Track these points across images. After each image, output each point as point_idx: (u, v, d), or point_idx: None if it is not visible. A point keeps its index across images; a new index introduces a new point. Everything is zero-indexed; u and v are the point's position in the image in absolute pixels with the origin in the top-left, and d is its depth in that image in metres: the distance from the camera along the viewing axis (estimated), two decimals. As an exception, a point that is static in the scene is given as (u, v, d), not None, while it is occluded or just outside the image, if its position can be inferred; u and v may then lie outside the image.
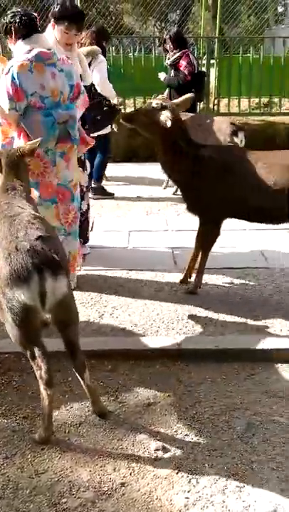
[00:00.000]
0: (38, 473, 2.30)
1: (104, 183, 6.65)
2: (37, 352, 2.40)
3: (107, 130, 6.07)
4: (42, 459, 2.38)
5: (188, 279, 4.08)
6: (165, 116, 3.56)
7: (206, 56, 9.26)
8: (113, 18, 11.75)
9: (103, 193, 6.40)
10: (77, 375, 2.61)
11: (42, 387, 2.40)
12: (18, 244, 2.33)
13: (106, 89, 5.85)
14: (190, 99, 3.96)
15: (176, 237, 5.03)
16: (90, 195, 6.01)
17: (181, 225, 5.30)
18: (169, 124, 3.54)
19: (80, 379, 2.60)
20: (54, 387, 2.45)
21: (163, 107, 3.63)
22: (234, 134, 5.87)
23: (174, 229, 5.31)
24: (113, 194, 6.47)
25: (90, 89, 4.85)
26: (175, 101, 3.92)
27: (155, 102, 3.70)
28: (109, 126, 6.13)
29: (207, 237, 3.90)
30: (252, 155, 3.68)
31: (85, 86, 3.88)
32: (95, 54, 5.58)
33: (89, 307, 3.73)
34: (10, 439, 2.50)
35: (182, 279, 4.12)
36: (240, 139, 5.87)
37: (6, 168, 2.94)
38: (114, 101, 6.31)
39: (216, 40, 9.55)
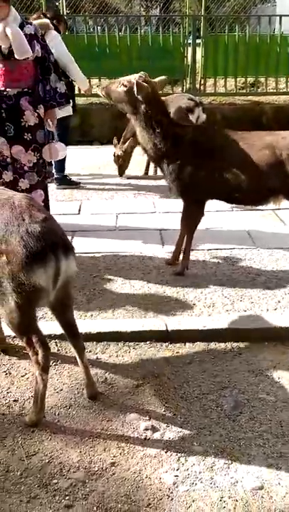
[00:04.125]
0: (28, 456, 2.32)
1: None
2: (34, 337, 2.40)
3: (67, 112, 5.61)
4: (32, 441, 2.40)
5: (176, 261, 4.09)
6: (137, 83, 3.53)
7: (191, 35, 9.15)
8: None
9: (68, 183, 6.11)
10: (76, 356, 2.65)
11: (37, 372, 2.41)
12: (28, 227, 2.29)
13: (72, 71, 5.73)
14: (165, 81, 3.96)
15: (163, 219, 5.03)
16: (54, 185, 5.90)
17: (168, 207, 5.29)
18: (138, 93, 3.52)
19: (79, 360, 2.64)
20: (48, 372, 2.46)
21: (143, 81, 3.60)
22: (189, 110, 5.63)
23: (161, 211, 5.30)
24: (79, 183, 6.16)
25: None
26: (153, 80, 3.89)
27: (136, 75, 3.67)
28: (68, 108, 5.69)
29: (190, 218, 3.91)
30: (231, 136, 3.67)
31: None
32: (45, 28, 5.33)
33: (77, 290, 3.72)
34: (0, 422, 2.51)
35: (170, 261, 4.13)
36: (196, 116, 5.68)
37: None
38: (83, 88, 6.18)
39: (202, 18, 9.43)
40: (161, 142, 3.68)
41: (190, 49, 9.10)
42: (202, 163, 3.63)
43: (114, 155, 6.37)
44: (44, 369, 2.40)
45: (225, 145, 3.62)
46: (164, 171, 3.86)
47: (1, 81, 3.94)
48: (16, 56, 3.82)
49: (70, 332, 2.60)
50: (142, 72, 3.74)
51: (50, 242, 2.28)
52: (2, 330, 3.04)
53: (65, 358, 3.00)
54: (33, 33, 3.93)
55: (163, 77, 3.94)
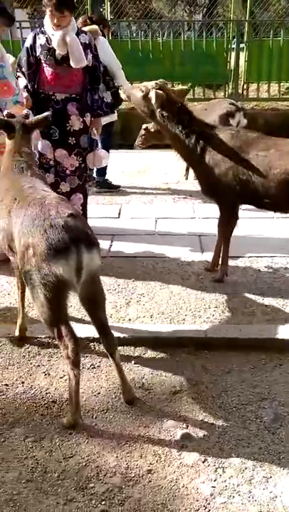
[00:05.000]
0: (66, 457, 2.33)
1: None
2: (64, 330, 2.44)
3: (111, 118, 5.75)
4: (70, 444, 2.41)
5: (215, 267, 4.05)
6: (153, 92, 3.61)
7: (235, 40, 9.08)
8: (142, 2, 11.59)
9: (108, 187, 6.14)
10: (108, 354, 2.65)
11: (69, 367, 2.44)
12: (52, 221, 2.39)
13: (120, 78, 5.77)
14: (186, 91, 4.00)
15: (203, 225, 4.99)
16: (95, 189, 5.95)
17: (208, 213, 5.24)
18: (153, 99, 3.60)
19: (111, 359, 2.65)
20: (80, 368, 2.48)
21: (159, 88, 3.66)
22: (230, 115, 5.63)
23: (201, 216, 5.26)
24: (119, 187, 6.20)
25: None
26: (174, 88, 3.98)
27: (153, 83, 3.72)
28: (114, 115, 5.86)
29: (224, 222, 3.88)
30: (263, 141, 3.61)
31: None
32: (95, 34, 5.42)
33: (116, 294, 3.73)
34: (38, 423, 2.54)
35: (209, 267, 4.09)
36: (236, 121, 5.66)
37: (18, 137, 3.11)
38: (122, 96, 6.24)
39: (246, 23, 9.35)
40: (184, 143, 3.70)
41: (233, 54, 9.03)
42: (231, 166, 3.59)
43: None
44: (75, 363, 2.42)
45: (255, 149, 3.57)
46: (195, 172, 3.87)
47: (51, 86, 4.00)
48: (71, 64, 3.89)
49: (102, 330, 2.63)
50: (160, 80, 3.80)
51: (73, 235, 2.36)
52: (25, 319, 3.16)
53: (102, 361, 3.00)
54: (87, 42, 3.99)
55: (184, 87, 4.00)
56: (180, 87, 4.00)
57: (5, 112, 3.37)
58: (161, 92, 3.63)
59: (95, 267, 2.46)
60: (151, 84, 3.72)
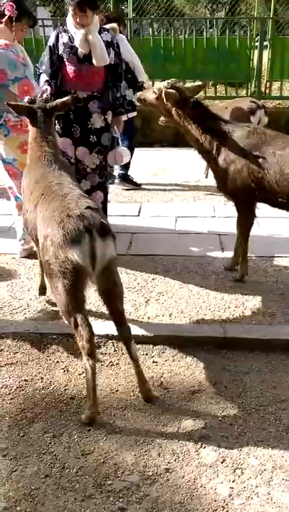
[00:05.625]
0: (84, 454, 2.34)
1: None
2: (80, 320, 2.47)
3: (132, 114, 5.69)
4: (88, 440, 2.42)
5: (236, 267, 4.01)
6: (165, 92, 3.63)
7: (258, 38, 8.99)
8: (164, 0, 11.55)
9: (129, 182, 6.18)
10: (124, 346, 2.67)
11: (84, 358, 2.46)
12: (69, 212, 2.49)
13: (141, 73, 5.76)
14: (199, 87, 3.96)
15: (223, 224, 4.95)
16: (117, 181, 5.99)
17: (229, 212, 5.19)
18: (165, 99, 3.62)
19: (127, 351, 2.66)
20: (96, 359, 2.52)
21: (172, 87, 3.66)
22: (251, 112, 5.58)
23: (221, 215, 5.22)
24: (140, 185, 6.21)
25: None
26: (186, 85, 3.96)
27: (165, 82, 3.73)
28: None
29: (241, 221, 3.85)
30: (280, 138, 3.56)
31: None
32: (114, 32, 5.41)
33: (135, 292, 3.73)
34: (57, 419, 2.55)
35: (229, 267, 4.06)
36: (257, 118, 5.60)
37: (41, 123, 3.23)
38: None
39: (270, 21, 9.24)
40: (200, 139, 3.70)
41: (256, 52, 8.94)
42: (246, 163, 3.55)
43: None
44: (90, 354, 2.44)
45: (272, 147, 3.52)
46: (212, 169, 3.86)
47: (73, 84, 4.01)
48: (94, 62, 3.90)
49: (117, 320, 2.66)
50: (172, 79, 3.80)
51: (87, 224, 2.44)
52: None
53: (121, 359, 3.00)
54: (109, 40, 3.99)
55: (197, 83, 3.99)
56: (195, 83, 3.94)
57: (26, 99, 3.41)
58: (173, 91, 3.64)
59: (110, 255, 2.51)
60: (163, 84, 3.74)
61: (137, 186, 6.16)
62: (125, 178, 6.15)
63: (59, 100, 3.35)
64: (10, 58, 3.79)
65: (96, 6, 3.90)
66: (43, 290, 3.56)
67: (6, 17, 3.89)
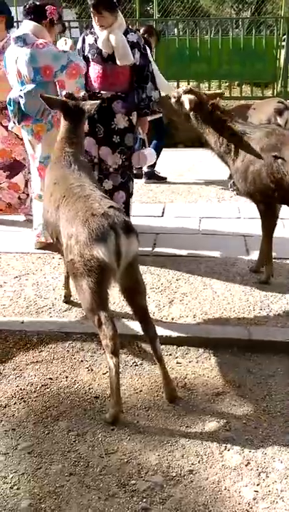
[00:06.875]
0: (108, 453, 2.35)
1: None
2: (104, 318, 2.48)
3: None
4: (112, 439, 2.43)
5: (261, 268, 3.98)
6: (185, 98, 3.66)
7: (285, 37, 8.90)
8: (189, 0, 11.53)
9: (156, 178, 6.37)
10: (148, 346, 2.69)
11: (108, 356, 2.47)
12: (93, 211, 2.54)
13: (161, 85, 5.81)
14: (218, 94, 4.03)
15: (248, 225, 4.91)
16: (143, 180, 6.08)
17: (254, 213, 5.13)
18: (186, 104, 3.64)
19: (152, 350, 2.67)
20: (120, 358, 2.51)
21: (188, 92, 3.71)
22: (278, 113, 5.51)
23: (246, 216, 5.18)
24: (166, 178, 6.42)
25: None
26: (207, 92, 4.06)
27: (184, 87, 3.81)
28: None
29: (264, 222, 3.82)
30: None
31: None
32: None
33: (159, 292, 3.73)
34: (81, 418, 2.56)
35: (254, 268, 4.03)
36: (284, 119, 5.52)
37: (71, 122, 3.25)
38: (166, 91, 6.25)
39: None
40: (218, 142, 3.71)
41: (283, 51, 8.85)
42: (264, 164, 3.52)
43: None
44: (114, 352, 2.45)
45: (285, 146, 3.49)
46: (231, 170, 3.85)
47: (97, 83, 4.05)
48: (117, 62, 3.92)
49: (142, 317, 2.68)
50: (191, 84, 3.83)
51: (112, 221, 2.47)
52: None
53: (145, 360, 3.01)
54: (135, 41, 4.02)
55: (218, 91, 4.07)
56: (217, 90, 4.06)
57: (63, 93, 3.47)
58: (192, 96, 3.67)
59: (133, 252, 2.54)
60: (182, 89, 3.80)
61: (163, 180, 6.29)
62: (151, 176, 6.24)
63: (93, 102, 3.35)
64: (52, 52, 3.88)
65: (112, 6, 3.90)
66: (67, 298, 3.57)
67: (48, 19, 4.00)
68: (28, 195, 5.01)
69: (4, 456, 2.34)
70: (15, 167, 4.95)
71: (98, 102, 3.43)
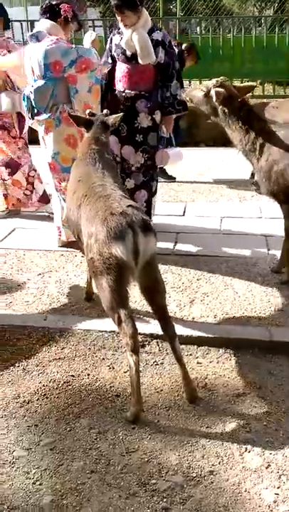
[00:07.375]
0: (128, 452, 2.36)
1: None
2: (123, 316, 2.51)
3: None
4: (133, 438, 2.44)
5: (282, 269, 3.95)
6: (214, 90, 3.61)
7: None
8: (212, -2, 11.48)
9: (167, 177, 6.31)
10: (168, 345, 2.69)
11: (128, 353, 2.50)
12: (112, 210, 2.57)
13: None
14: (250, 87, 3.98)
15: (270, 225, 4.87)
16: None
17: (276, 213, 5.09)
18: (214, 97, 3.60)
19: (172, 349, 2.69)
20: (140, 356, 2.54)
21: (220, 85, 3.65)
22: None
23: (268, 216, 5.15)
24: (174, 178, 6.37)
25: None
26: (238, 85, 3.96)
27: (214, 80, 3.72)
28: None
29: (287, 221, 3.79)
30: None
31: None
32: None
33: (179, 292, 3.73)
34: (103, 415, 2.59)
35: (275, 269, 4.00)
36: None
37: (97, 130, 3.32)
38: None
39: None
40: (244, 139, 3.67)
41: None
42: (288, 164, 3.49)
43: None
44: (134, 350, 2.47)
45: None
46: (254, 168, 3.82)
47: (122, 82, 4.06)
48: (139, 60, 3.93)
49: (161, 316, 2.70)
50: (221, 77, 3.78)
51: (130, 220, 2.50)
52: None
53: (166, 359, 3.01)
54: (160, 39, 4.01)
55: (249, 83, 4.03)
56: (248, 83, 3.96)
57: (87, 111, 3.53)
58: (221, 89, 3.63)
59: (151, 251, 2.56)
60: (212, 82, 3.74)
61: (172, 179, 6.28)
62: (161, 173, 6.22)
63: (116, 116, 3.43)
64: (61, 48, 3.91)
65: (135, 6, 3.90)
66: (89, 296, 3.58)
67: (62, 17, 4.04)
68: (31, 191, 5.19)
69: (27, 452, 2.38)
70: (12, 165, 5.12)
71: (121, 114, 3.49)
